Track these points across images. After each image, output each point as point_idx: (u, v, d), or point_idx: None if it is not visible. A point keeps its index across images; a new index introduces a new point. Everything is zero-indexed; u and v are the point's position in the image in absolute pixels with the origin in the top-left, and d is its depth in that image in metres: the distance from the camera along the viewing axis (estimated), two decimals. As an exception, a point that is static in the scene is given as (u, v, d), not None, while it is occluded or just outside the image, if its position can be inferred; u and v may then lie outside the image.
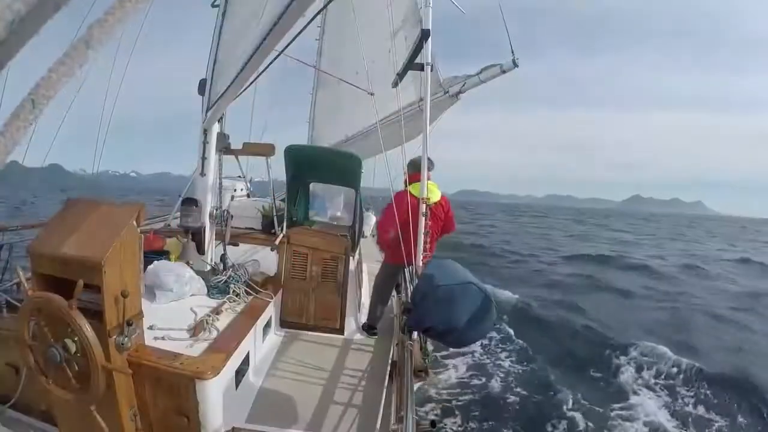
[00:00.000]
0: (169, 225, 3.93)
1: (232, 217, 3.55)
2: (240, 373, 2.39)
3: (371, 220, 7.62)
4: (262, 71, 2.07)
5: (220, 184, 3.48)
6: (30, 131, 0.33)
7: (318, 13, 2.29)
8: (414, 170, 3.43)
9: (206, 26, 3.45)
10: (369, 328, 3.57)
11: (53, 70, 0.32)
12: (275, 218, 3.74)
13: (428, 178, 3.35)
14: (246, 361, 2.52)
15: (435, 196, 3.41)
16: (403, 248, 3.12)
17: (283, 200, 4.05)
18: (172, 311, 2.59)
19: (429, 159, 3.36)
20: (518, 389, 5.94)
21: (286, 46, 1.83)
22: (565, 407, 5.46)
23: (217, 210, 3.47)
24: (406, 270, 3.64)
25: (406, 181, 3.42)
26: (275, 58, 1.86)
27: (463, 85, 4.84)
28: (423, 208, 3.15)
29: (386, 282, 3.71)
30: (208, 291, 2.95)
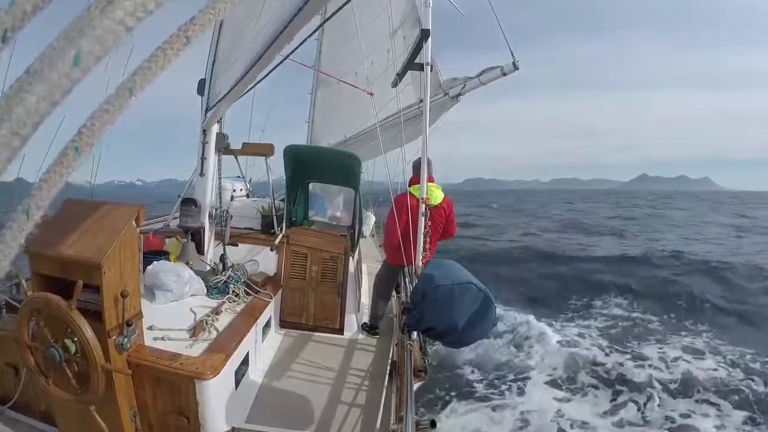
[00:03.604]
0: (168, 225, 3.93)
1: (231, 217, 3.55)
2: (240, 373, 2.39)
3: (371, 220, 7.62)
4: (264, 76, 2.06)
5: (220, 184, 3.48)
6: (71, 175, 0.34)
7: (326, 20, 2.29)
8: (416, 172, 3.43)
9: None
10: (371, 328, 3.57)
11: (96, 117, 0.32)
12: (275, 218, 3.74)
13: (431, 180, 3.35)
14: (246, 361, 2.52)
15: (436, 198, 3.40)
16: (403, 249, 3.13)
17: (282, 200, 4.05)
18: (172, 311, 2.59)
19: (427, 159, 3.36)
20: (520, 388, 5.94)
21: (291, 52, 1.82)
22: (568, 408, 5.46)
23: (216, 210, 3.47)
24: (406, 270, 3.64)
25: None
26: (279, 64, 1.86)
27: (463, 87, 4.83)
28: (422, 208, 3.15)
29: (387, 281, 3.72)
30: (208, 291, 2.95)
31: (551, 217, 30.71)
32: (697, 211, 39.56)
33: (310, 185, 4.18)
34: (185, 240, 3.37)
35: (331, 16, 2.13)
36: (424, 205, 3.16)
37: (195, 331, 2.35)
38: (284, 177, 3.87)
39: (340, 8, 1.76)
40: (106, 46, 0.30)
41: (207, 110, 3.24)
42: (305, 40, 1.79)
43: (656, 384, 5.75)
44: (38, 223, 0.32)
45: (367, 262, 5.15)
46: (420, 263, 3.11)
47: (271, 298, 3.09)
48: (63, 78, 0.29)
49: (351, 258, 3.49)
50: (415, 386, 2.09)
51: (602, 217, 30.15)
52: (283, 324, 3.40)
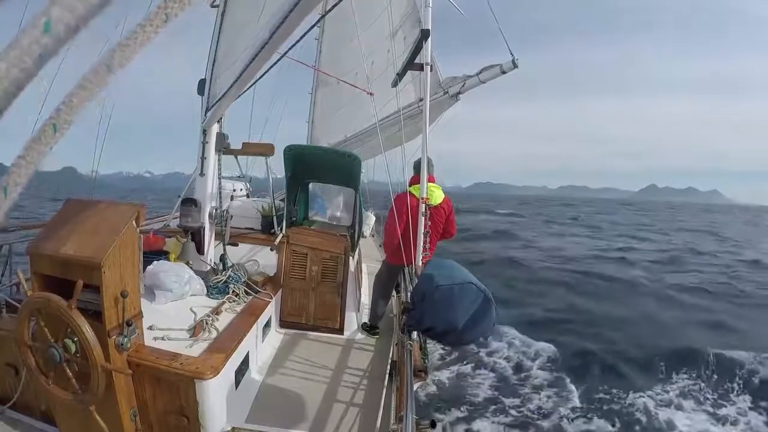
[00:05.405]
0: (168, 225, 3.93)
1: (231, 217, 3.55)
2: (240, 373, 2.39)
3: (371, 219, 7.63)
4: (263, 74, 2.06)
5: (220, 184, 3.48)
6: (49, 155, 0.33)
7: (324, 15, 2.29)
8: (417, 172, 3.43)
9: (206, 26, 3.45)
10: (371, 328, 3.57)
11: (74, 94, 0.32)
12: (275, 218, 3.74)
13: (431, 180, 3.35)
14: (246, 361, 2.52)
15: (436, 199, 3.41)
16: (403, 249, 3.13)
17: (282, 200, 4.05)
18: (172, 311, 2.59)
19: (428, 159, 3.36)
20: (519, 387, 5.94)
21: (289, 49, 1.83)
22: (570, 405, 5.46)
23: (216, 210, 3.47)
24: (406, 270, 3.63)
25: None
26: (277, 61, 1.86)
27: (463, 86, 4.84)
28: (422, 208, 3.15)
29: (387, 281, 3.72)
30: (208, 291, 2.95)
31: (647, 240, 23.12)
32: (740, 228, 36.70)
33: (310, 185, 4.18)
34: (185, 240, 3.37)
35: (330, 9, 2.12)
36: (424, 204, 3.16)
37: (195, 331, 2.35)
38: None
39: (338, 2, 1.76)
40: (76, 13, 0.29)
41: (207, 110, 3.24)
42: (303, 35, 1.79)
43: None
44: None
45: (367, 262, 5.15)
46: (420, 263, 3.11)
47: (271, 298, 3.09)
48: (33, 44, 0.29)
49: (351, 258, 3.49)
50: (415, 386, 2.09)
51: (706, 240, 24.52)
52: (283, 324, 3.40)
